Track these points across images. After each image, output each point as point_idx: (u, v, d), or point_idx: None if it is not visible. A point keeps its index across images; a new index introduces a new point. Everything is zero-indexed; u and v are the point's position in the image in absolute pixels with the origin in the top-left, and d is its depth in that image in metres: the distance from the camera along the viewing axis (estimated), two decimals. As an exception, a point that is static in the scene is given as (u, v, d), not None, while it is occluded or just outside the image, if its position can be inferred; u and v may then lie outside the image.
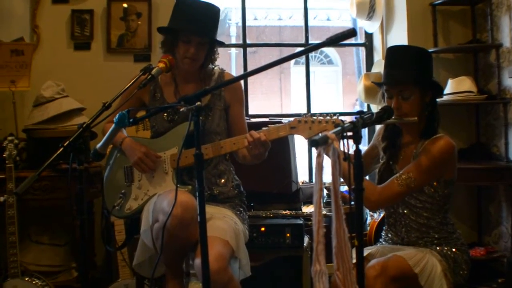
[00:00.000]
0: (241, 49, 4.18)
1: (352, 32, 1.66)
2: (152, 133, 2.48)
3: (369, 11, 4.01)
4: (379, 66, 4.00)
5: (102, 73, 3.67)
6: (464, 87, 3.64)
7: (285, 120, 2.66)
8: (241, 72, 4.61)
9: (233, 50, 9.72)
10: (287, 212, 3.02)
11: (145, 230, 2.23)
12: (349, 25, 6.43)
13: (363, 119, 1.80)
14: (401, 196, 2.22)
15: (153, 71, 2.18)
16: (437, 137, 2.24)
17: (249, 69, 4.10)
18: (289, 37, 10.95)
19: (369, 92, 3.91)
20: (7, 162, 2.88)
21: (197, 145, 1.78)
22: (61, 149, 1.85)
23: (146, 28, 3.71)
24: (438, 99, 2.36)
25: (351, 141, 1.65)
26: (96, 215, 3.47)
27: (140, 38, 3.71)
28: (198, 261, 2.01)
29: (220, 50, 2.51)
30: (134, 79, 2.20)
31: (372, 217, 3.49)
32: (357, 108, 6.81)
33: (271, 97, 11.36)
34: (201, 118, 2.12)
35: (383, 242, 2.43)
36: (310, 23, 4.27)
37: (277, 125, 2.18)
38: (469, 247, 2.80)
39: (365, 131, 4.24)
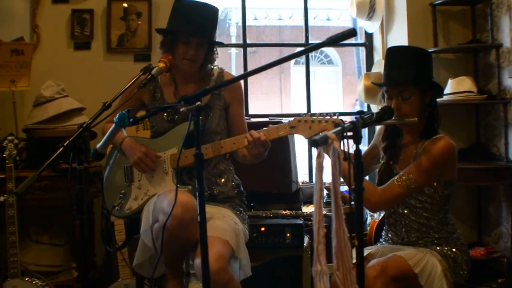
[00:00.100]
0: (241, 49, 4.18)
1: (352, 32, 1.66)
2: (152, 133, 2.48)
3: (369, 11, 4.01)
4: (379, 66, 4.00)
5: (102, 73, 3.67)
6: (464, 87, 3.64)
7: (285, 120, 2.66)
8: (241, 72, 4.61)
9: (233, 50, 9.71)
10: (287, 212, 3.02)
11: (145, 230, 2.23)
12: (349, 25, 6.42)
13: (363, 119, 1.80)
14: (402, 197, 2.22)
15: (153, 71, 2.18)
16: (437, 137, 2.24)
17: (249, 69, 4.10)
18: (289, 37, 10.95)
19: (369, 92, 3.91)
20: (7, 162, 2.88)
21: (197, 145, 1.78)
22: (61, 149, 1.85)
23: (146, 27, 3.71)
24: (438, 99, 2.36)
25: (351, 141, 1.65)
26: (96, 215, 3.47)
27: (140, 38, 3.71)
28: (198, 261, 2.01)
29: (220, 50, 2.50)
30: (134, 79, 2.20)
31: (372, 217, 3.48)
32: (357, 108, 6.82)
33: (271, 97, 11.35)
34: (201, 118, 2.12)
35: (383, 242, 2.43)
36: (310, 23, 4.27)
37: (277, 125, 2.18)
38: (469, 247, 2.80)
39: (365, 131, 4.23)
